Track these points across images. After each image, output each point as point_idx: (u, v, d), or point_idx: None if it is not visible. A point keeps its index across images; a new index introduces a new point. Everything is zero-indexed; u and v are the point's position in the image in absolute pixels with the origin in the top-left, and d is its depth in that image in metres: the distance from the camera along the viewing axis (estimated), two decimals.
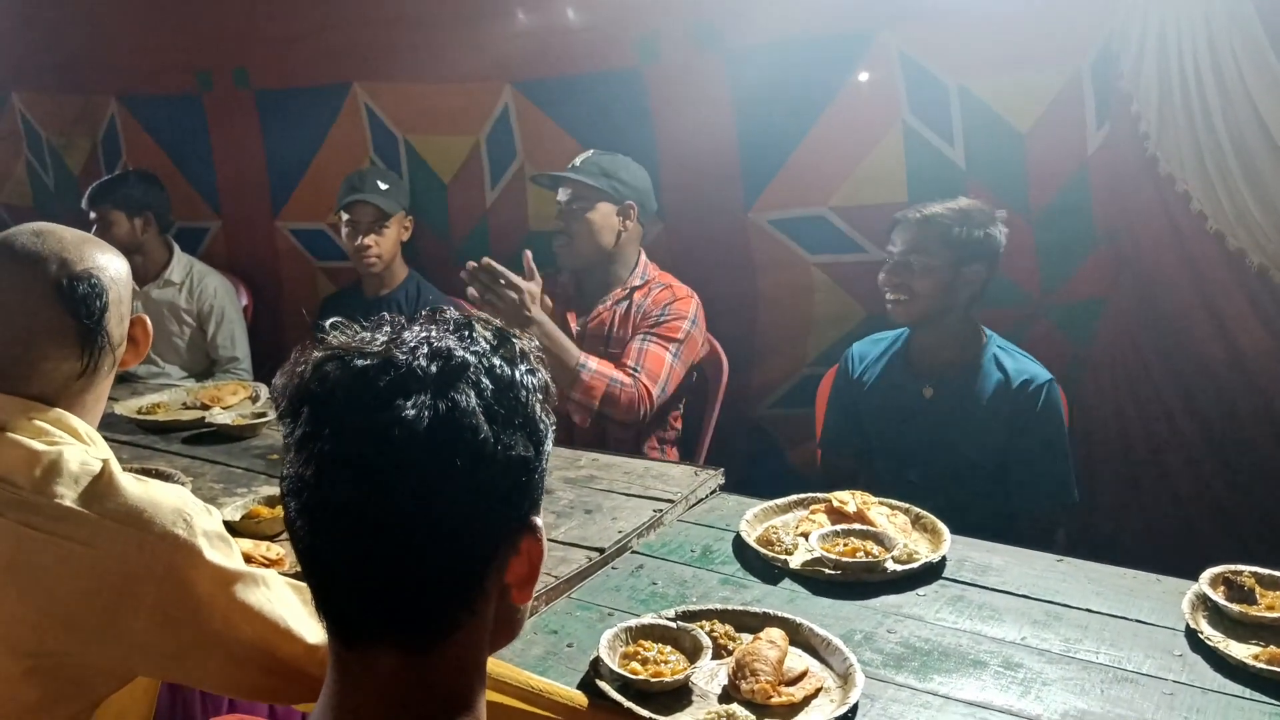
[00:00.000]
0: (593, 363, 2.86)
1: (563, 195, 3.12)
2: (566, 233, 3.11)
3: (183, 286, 3.97)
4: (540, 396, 1.00)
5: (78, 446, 1.39)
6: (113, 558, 1.28)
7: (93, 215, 3.86)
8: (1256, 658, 1.57)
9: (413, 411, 0.89)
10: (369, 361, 0.92)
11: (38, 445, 1.36)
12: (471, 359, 0.94)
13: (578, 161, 3.11)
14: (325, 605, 0.98)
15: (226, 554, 1.34)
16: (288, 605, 1.37)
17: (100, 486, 1.33)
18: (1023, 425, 2.60)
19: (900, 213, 2.73)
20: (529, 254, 2.73)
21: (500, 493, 0.94)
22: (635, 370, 2.93)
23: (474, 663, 1.00)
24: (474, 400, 0.92)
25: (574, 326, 3.16)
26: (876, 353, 2.87)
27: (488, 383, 0.94)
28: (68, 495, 1.31)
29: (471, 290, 2.69)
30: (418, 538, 0.91)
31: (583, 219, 3.07)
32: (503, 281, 2.65)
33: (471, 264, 2.67)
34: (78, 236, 1.52)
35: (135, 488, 1.34)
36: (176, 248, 4.06)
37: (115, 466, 1.36)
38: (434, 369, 0.92)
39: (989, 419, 2.62)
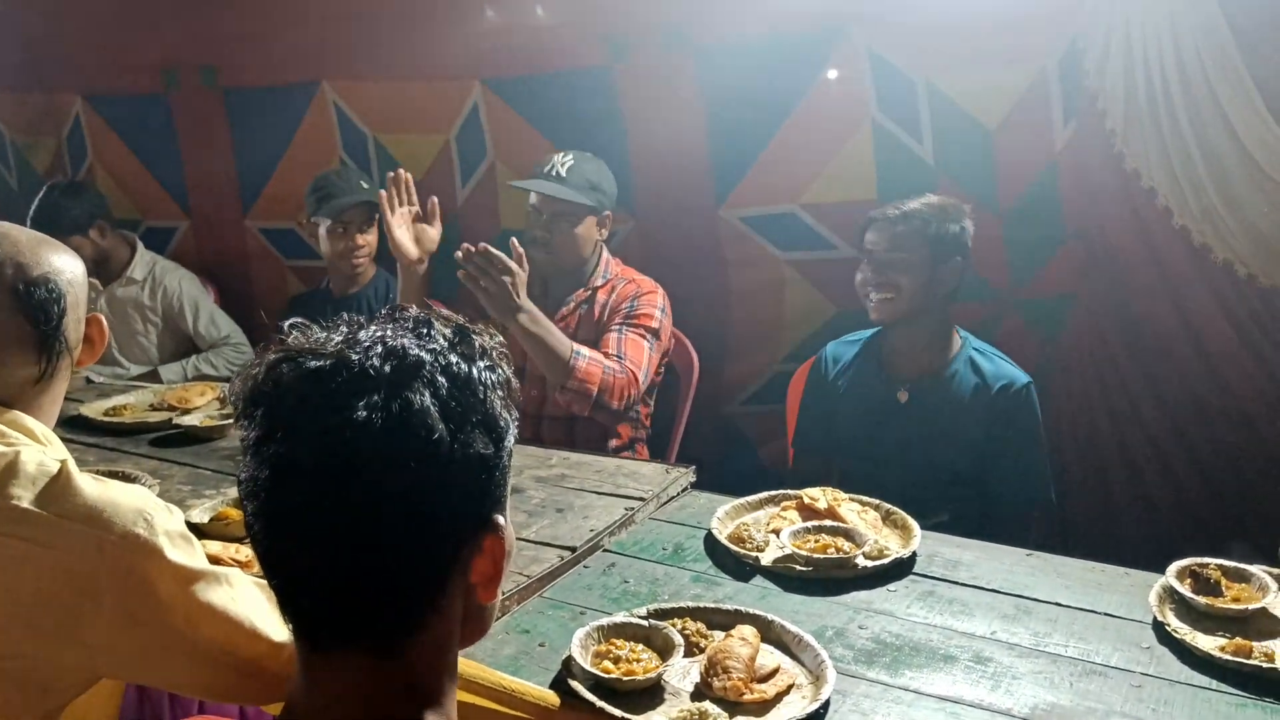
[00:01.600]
0: (585, 350, 2.82)
1: (541, 201, 3.04)
2: (547, 244, 3.03)
3: (145, 284, 3.94)
4: (501, 393, 0.98)
5: (35, 448, 1.37)
6: (73, 559, 1.27)
7: None
8: (1223, 649, 1.58)
9: (365, 413, 0.89)
10: (322, 363, 0.92)
11: None
12: (427, 357, 0.93)
13: (562, 170, 3.00)
14: (288, 607, 0.97)
15: (189, 553, 1.32)
16: (253, 604, 1.36)
17: (58, 487, 1.31)
18: (1003, 428, 2.61)
19: (876, 211, 2.73)
20: (516, 240, 2.71)
21: (459, 491, 0.94)
22: (620, 358, 2.90)
23: (442, 662, 1.00)
24: (428, 399, 0.91)
25: None
26: (850, 355, 2.87)
27: (443, 380, 0.93)
28: (25, 497, 1.29)
29: (461, 272, 2.67)
30: (375, 540, 0.90)
31: (570, 234, 3.02)
32: (497, 267, 2.63)
33: (467, 246, 2.64)
34: (33, 239, 1.49)
35: (94, 488, 1.32)
36: (140, 245, 4.03)
37: (73, 467, 1.34)
38: (387, 369, 0.91)
39: (966, 422, 2.63)
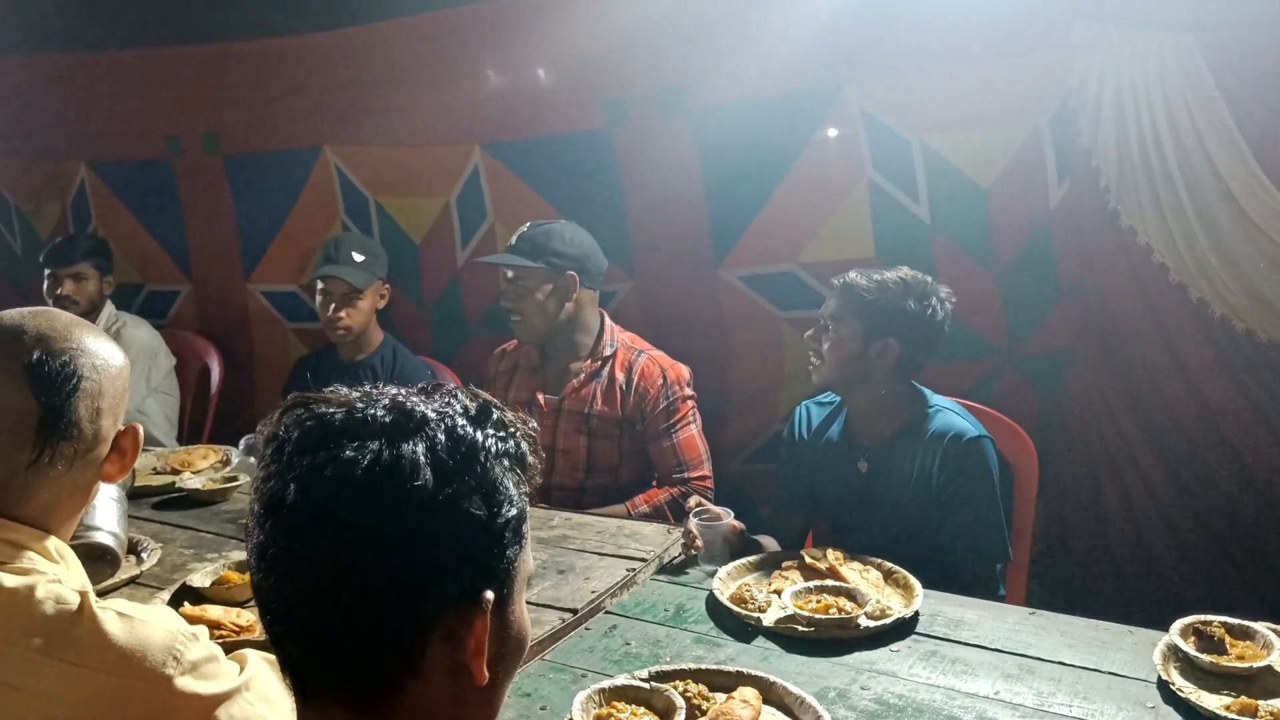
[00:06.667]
0: (643, 505, 2.94)
1: (508, 271, 3.09)
2: (516, 310, 3.09)
3: None
4: (506, 463, 0.97)
5: (49, 574, 1.28)
6: (100, 707, 1.22)
7: (61, 272, 3.87)
8: (1228, 708, 1.57)
9: (351, 454, 0.89)
10: (331, 409, 0.94)
11: (4, 579, 1.25)
12: (432, 415, 0.94)
13: (513, 239, 3.08)
14: (279, 653, 0.97)
15: (213, 676, 1.28)
16: (269, 699, 1.33)
17: (81, 631, 1.23)
18: (954, 482, 2.47)
19: (836, 276, 2.64)
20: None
21: (442, 550, 0.91)
22: (682, 470, 3.00)
23: None
24: (421, 449, 0.91)
25: (541, 401, 3.12)
26: (822, 416, 2.79)
27: (443, 438, 0.93)
28: (43, 645, 1.21)
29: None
30: (350, 582, 0.89)
31: (529, 298, 3.05)
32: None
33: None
34: (73, 321, 1.41)
35: (120, 629, 1.24)
36: (109, 305, 4.04)
37: (93, 600, 1.26)
38: (388, 419, 0.92)
39: (921, 486, 2.51)
